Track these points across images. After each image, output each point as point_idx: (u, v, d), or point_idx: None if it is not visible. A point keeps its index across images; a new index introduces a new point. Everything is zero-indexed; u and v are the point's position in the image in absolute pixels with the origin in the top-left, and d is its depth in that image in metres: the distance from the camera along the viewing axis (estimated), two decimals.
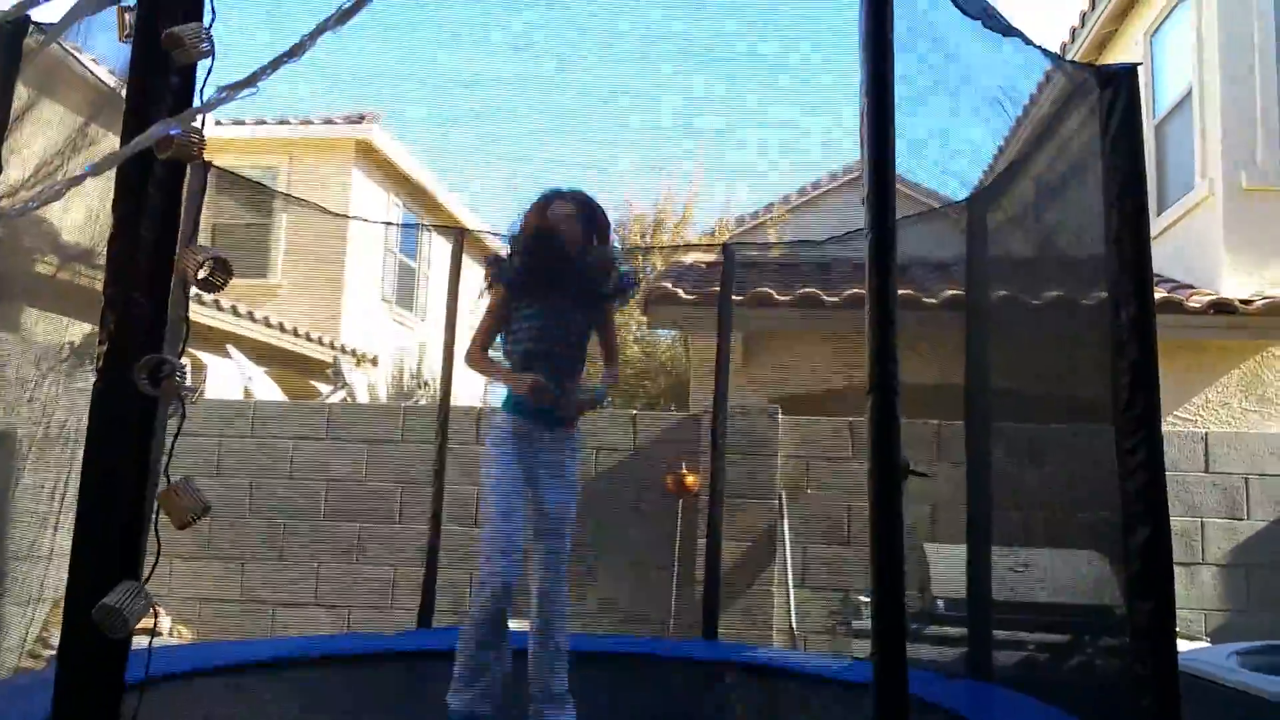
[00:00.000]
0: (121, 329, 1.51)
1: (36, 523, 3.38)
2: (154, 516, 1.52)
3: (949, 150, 3.73)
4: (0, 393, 3.26)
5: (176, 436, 1.53)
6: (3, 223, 2.14)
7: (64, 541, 3.26)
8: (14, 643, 3.48)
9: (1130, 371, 2.39)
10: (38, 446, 3.38)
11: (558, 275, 3.09)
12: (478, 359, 3.17)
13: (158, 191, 1.56)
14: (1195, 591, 5.30)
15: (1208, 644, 4.74)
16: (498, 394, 3.32)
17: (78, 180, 1.28)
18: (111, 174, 1.57)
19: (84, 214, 2.22)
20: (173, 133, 1.45)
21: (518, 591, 2.95)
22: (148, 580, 1.49)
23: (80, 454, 1.51)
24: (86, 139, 2.19)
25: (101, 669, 1.44)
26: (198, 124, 1.54)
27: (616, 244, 3.31)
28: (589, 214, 3.19)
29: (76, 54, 2.72)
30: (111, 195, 1.57)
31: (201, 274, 1.58)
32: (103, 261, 2.74)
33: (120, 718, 1.47)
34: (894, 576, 1.63)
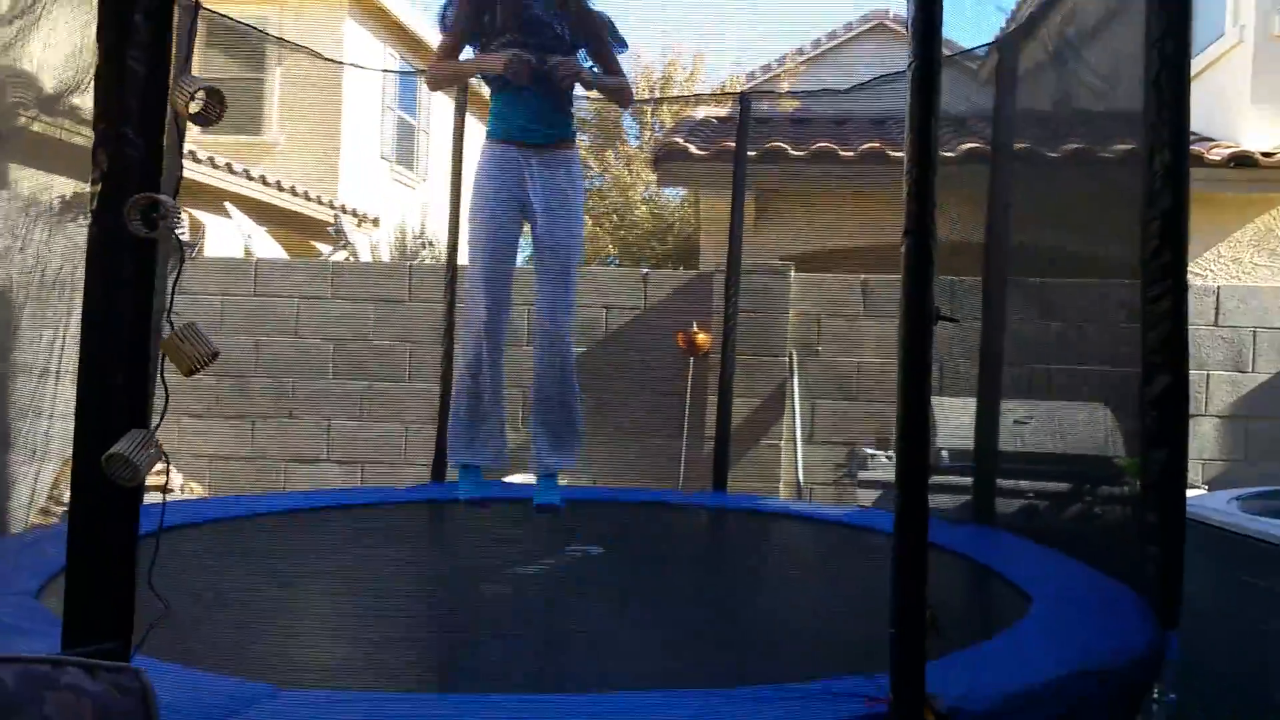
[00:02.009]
0: (114, 168, 1.43)
1: (37, 377, 3.36)
2: (160, 364, 1.48)
3: None
4: None
5: (176, 281, 1.47)
6: None
7: (67, 396, 3.25)
8: (23, 500, 3.52)
9: (1160, 220, 2.35)
10: (34, 299, 3.33)
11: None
12: (437, 68, 2.95)
13: (145, 19, 1.45)
14: (1196, 442, 5.35)
15: (1205, 491, 4.81)
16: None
17: None
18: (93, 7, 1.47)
19: (68, 50, 2.11)
20: None
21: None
22: (157, 429, 1.46)
23: (77, 305, 1.46)
24: None
25: (113, 518, 1.43)
26: None
27: None
28: None
29: None
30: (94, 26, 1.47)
31: (194, 107, 1.49)
32: (85, 111, 2.63)
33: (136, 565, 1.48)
34: (919, 418, 1.60)
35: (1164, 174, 2.32)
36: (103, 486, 1.40)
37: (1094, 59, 3.10)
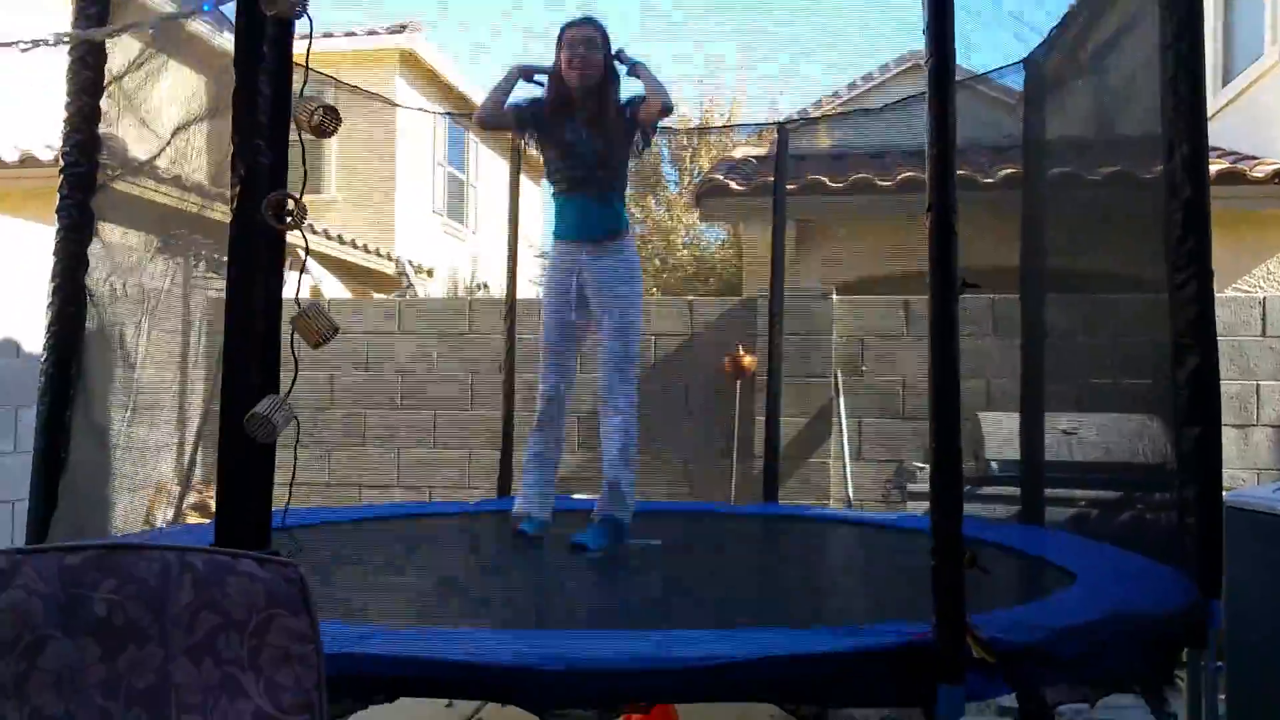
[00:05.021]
0: (249, 173, 1.69)
1: (127, 419, 3.66)
2: (292, 339, 1.72)
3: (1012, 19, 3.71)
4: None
5: (303, 269, 1.71)
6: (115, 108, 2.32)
7: (154, 435, 3.54)
8: (120, 525, 3.83)
9: (1183, 209, 2.47)
10: (139, 349, 3.63)
11: (572, 115, 3.13)
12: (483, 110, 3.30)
13: (271, 49, 1.71)
14: (1249, 452, 5.38)
15: None
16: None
17: (192, 12, 1.44)
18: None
19: (184, 94, 2.41)
20: None
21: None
22: (288, 395, 1.70)
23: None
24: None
25: (253, 466, 1.66)
26: None
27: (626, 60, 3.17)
28: (601, 37, 3.16)
29: None
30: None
31: (314, 121, 1.75)
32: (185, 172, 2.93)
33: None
34: (950, 382, 1.76)
35: (1184, 164, 2.46)
36: (244, 441, 1.64)
37: (1113, 71, 3.27)
